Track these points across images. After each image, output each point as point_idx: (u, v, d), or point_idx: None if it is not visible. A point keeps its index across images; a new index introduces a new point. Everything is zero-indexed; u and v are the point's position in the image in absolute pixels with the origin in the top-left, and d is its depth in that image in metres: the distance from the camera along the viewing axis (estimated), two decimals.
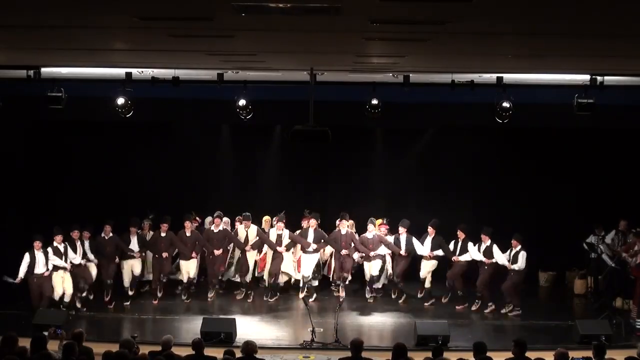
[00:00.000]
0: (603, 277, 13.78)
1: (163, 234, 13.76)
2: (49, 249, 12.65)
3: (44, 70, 11.35)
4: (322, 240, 13.93)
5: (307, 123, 10.87)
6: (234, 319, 11.88)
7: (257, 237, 13.93)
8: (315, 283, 14.44)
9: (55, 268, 12.67)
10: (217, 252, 13.79)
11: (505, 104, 11.94)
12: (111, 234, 13.47)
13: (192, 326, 12.17)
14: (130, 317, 13.05)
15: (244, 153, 16.09)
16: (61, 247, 12.79)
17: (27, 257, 12.45)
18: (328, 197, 15.61)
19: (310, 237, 13.92)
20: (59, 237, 12.75)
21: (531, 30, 6.52)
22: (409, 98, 12.64)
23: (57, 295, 12.71)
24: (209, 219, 14.70)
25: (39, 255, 12.51)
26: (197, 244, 13.86)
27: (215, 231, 13.93)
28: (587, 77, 11.37)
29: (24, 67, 11.19)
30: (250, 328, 12.20)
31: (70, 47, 8.63)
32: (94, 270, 13.36)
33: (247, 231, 14.03)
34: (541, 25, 6.24)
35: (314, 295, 14.00)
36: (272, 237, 13.92)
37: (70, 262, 12.82)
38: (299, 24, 6.37)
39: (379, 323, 12.99)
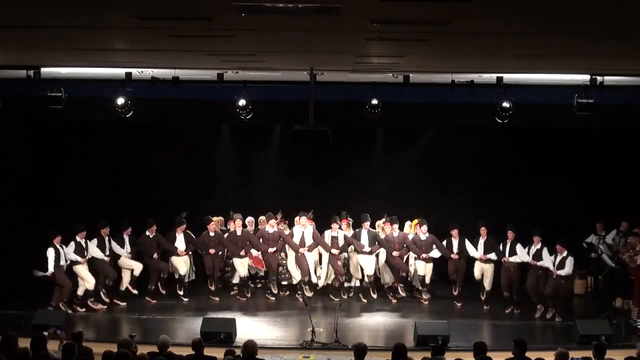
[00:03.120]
0: (603, 277, 13.79)
1: (211, 234, 13.93)
2: (71, 244, 13.05)
3: (44, 70, 11.34)
4: (377, 242, 13.88)
5: (307, 123, 10.87)
6: (234, 319, 11.88)
7: (313, 239, 13.94)
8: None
9: (74, 263, 13.05)
10: (271, 250, 13.84)
11: (505, 104, 11.92)
12: (155, 233, 13.72)
13: (192, 326, 12.17)
14: (130, 317, 13.06)
15: (244, 153, 16.09)
16: (83, 243, 13.18)
17: (52, 252, 12.80)
18: (328, 197, 15.60)
19: (364, 238, 13.89)
20: (82, 234, 13.15)
21: (531, 30, 6.52)
22: (409, 98, 12.63)
23: (91, 285, 13.09)
24: (261, 218, 14.61)
25: (61, 249, 12.90)
26: (248, 244, 13.97)
27: (270, 232, 13.98)
28: (587, 77, 11.37)
29: (24, 67, 11.18)
30: (250, 328, 12.20)
31: (70, 47, 8.63)
32: (134, 265, 13.65)
33: (303, 231, 14.03)
34: (541, 25, 6.24)
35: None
36: (327, 239, 13.95)
37: (92, 257, 13.22)
38: (299, 24, 6.37)
39: (379, 323, 12.99)
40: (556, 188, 15.26)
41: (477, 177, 15.43)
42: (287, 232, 14.23)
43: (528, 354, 8.59)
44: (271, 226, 13.98)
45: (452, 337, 11.34)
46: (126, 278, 13.71)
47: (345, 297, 14.05)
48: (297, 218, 14.24)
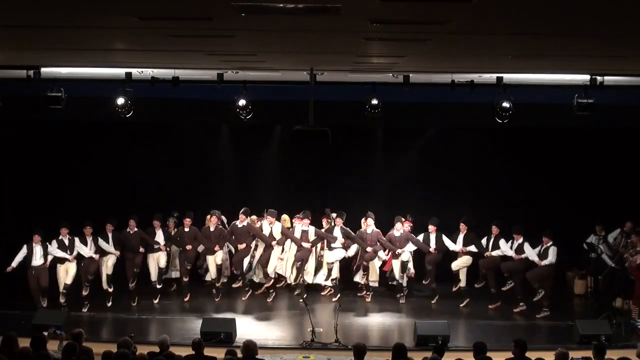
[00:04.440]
0: (603, 277, 13.79)
1: (186, 229, 13.90)
2: (54, 242, 12.91)
3: (44, 70, 11.34)
4: (348, 238, 13.92)
5: (307, 123, 10.87)
6: (234, 319, 11.89)
7: (282, 234, 13.97)
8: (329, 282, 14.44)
9: (60, 260, 12.90)
10: (241, 247, 13.83)
11: (505, 104, 11.92)
12: (136, 229, 13.65)
13: (192, 326, 12.18)
14: (130, 317, 13.05)
15: (244, 153, 16.08)
16: (66, 240, 13.00)
17: (24, 249, 12.73)
18: (327, 196, 15.60)
19: (337, 235, 13.93)
20: (64, 231, 13.00)
21: (531, 30, 6.52)
22: (409, 98, 12.63)
23: (60, 285, 12.95)
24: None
25: (37, 248, 12.77)
26: (222, 239, 13.95)
27: (239, 226, 13.96)
28: (587, 77, 11.37)
29: (24, 67, 11.18)
30: (250, 328, 12.21)
31: (70, 47, 8.62)
32: (109, 262, 13.44)
33: (271, 227, 14.05)
34: (541, 25, 6.24)
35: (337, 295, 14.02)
36: (297, 234, 13.97)
37: (78, 254, 13.05)
38: (299, 24, 6.37)
39: (379, 323, 12.99)
40: (556, 188, 15.26)
41: (477, 177, 15.43)
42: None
43: (528, 354, 8.59)
44: (241, 221, 13.96)
45: (452, 337, 11.35)
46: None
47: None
48: (282, 217, 14.23)
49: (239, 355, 8.51)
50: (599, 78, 11.32)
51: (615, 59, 9.05)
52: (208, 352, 8.89)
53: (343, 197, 15.43)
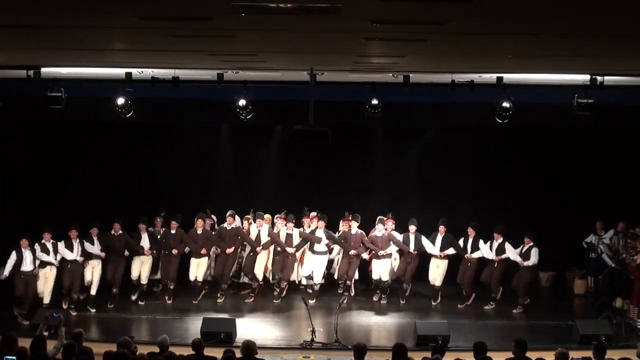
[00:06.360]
0: (603, 277, 13.80)
1: (173, 231, 13.84)
2: (36, 246, 12.67)
3: (44, 70, 11.34)
4: (331, 240, 13.91)
5: (307, 123, 10.87)
6: (234, 319, 11.89)
7: (269, 237, 13.92)
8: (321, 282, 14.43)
9: (42, 265, 12.69)
10: (229, 251, 13.81)
11: (505, 104, 11.93)
12: (120, 231, 13.54)
13: (192, 326, 12.17)
14: (130, 317, 13.05)
15: (244, 153, 16.09)
16: (49, 245, 12.78)
17: (13, 255, 12.47)
18: (328, 197, 15.58)
19: (321, 236, 13.89)
20: (47, 235, 12.78)
21: (531, 30, 6.52)
22: (409, 98, 12.63)
23: (40, 293, 12.69)
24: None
25: (26, 253, 12.55)
26: (209, 242, 13.90)
27: (228, 229, 13.94)
28: (587, 77, 11.37)
29: (24, 67, 11.18)
30: (250, 328, 12.20)
31: (70, 47, 8.63)
32: (96, 269, 13.31)
33: (259, 230, 14.02)
34: (541, 25, 6.24)
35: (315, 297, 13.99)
36: (282, 237, 13.93)
37: (62, 259, 12.84)
38: (299, 24, 6.37)
39: (379, 323, 12.99)
40: (556, 188, 15.26)
41: (476, 177, 15.42)
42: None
43: (528, 354, 8.59)
44: (229, 223, 13.94)
45: (452, 337, 11.34)
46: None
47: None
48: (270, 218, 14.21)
49: (238, 355, 8.51)
50: (599, 78, 11.33)
51: (615, 59, 9.06)
52: (208, 352, 8.89)
53: (343, 197, 15.42)
